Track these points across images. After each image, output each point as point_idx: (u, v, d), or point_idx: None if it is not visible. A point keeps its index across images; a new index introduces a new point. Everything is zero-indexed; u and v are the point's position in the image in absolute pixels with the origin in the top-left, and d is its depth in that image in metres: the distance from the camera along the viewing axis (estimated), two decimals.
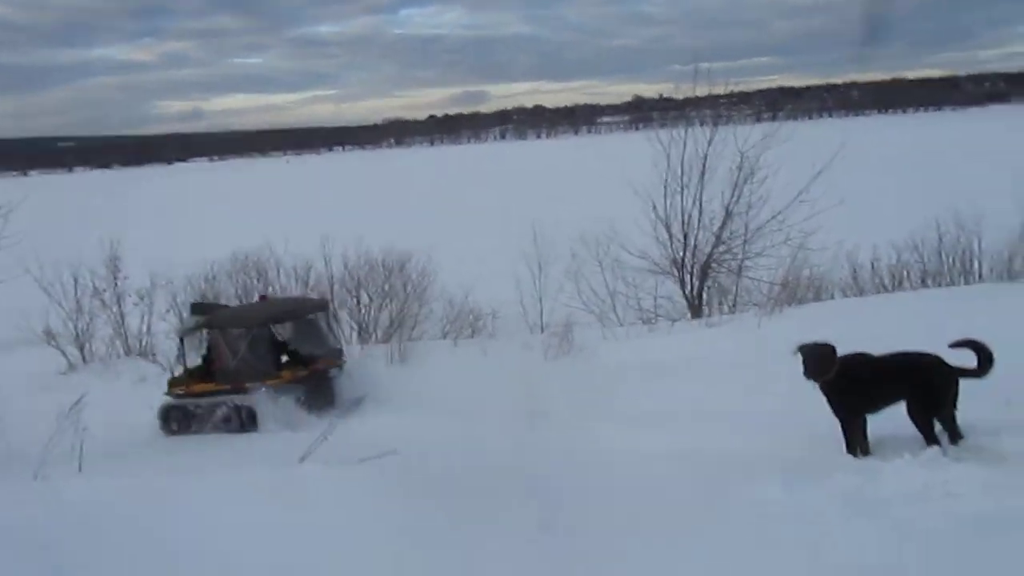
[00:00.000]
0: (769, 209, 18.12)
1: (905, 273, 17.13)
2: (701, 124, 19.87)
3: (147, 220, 43.33)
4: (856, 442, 6.57)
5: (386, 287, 18.21)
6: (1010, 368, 7.54)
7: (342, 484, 6.56)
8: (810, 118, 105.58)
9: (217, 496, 6.28)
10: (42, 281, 16.88)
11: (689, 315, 17.43)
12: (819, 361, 6.67)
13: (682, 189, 18.86)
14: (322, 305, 11.72)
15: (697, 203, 18.74)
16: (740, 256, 18.42)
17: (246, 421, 9.76)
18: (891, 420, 6.56)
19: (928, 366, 6.55)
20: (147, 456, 9.69)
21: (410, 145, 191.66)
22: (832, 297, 16.60)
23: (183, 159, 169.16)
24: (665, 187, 18.75)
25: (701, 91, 24.68)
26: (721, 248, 18.63)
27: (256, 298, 13.05)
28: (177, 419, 9.97)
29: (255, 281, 18.57)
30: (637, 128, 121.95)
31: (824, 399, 6.74)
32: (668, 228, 18.78)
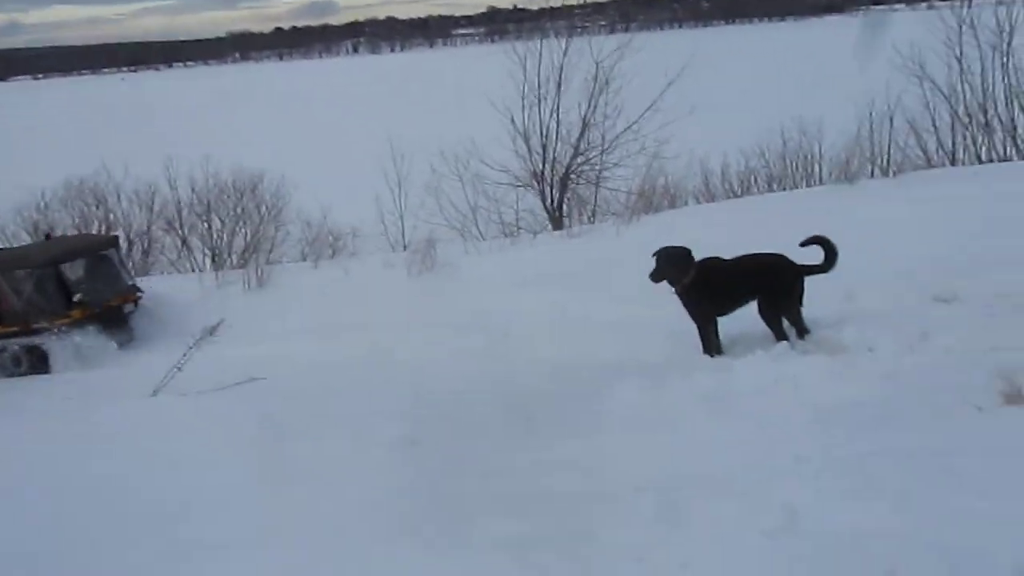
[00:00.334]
0: (624, 119, 18.43)
1: (753, 178, 17.88)
2: (556, 36, 19.80)
3: None
4: (712, 343, 6.86)
5: (238, 210, 17.48)
6: (850, 264, 8.04)
7: (199, 414, 6.33)
8: (661, 29, 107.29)
9: (75, 434, 5.94)
10: None
11: (551, 227, 17.64)
12: (668, 263, 6.89)
13: (539, 101, 18.87)
14: (112, 241, 11.42)
15: (555, 115, 18.82)
16: (598, 167, 18.71)
17: (37, 363, 9.51)
18: (741, 320, 6.88)
19: (776, 266, 6.84)
20: None
21: (257, 60, 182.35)
22: (686, 204, 17.15)
23: (2, 77, 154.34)
24: (523, 100, 18.70)
25: (555, 1, 24.67)
26: (579, 159, 18.86)
27: (43, 237, 12.38)
28: None
29: (94, 209, 17.37)
30: (493, 41, 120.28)
31: (681, 304, 6.96)
32: (527, 141, 18.81)
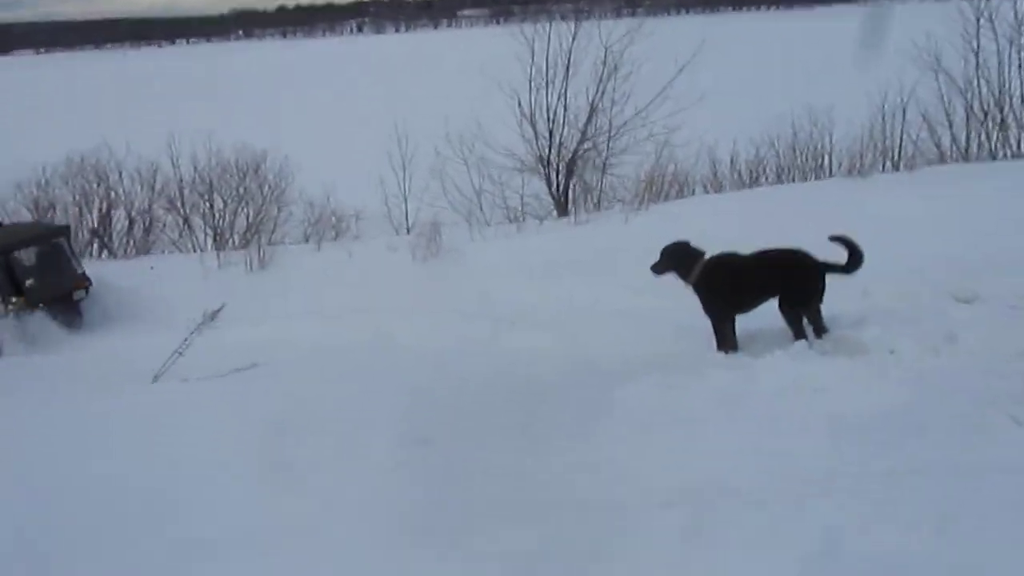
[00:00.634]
0: (633, 105, 18.19)
1: (762, 168, 17.66)
2: (563, 18, 19.53)
3: None
4: (727, 340, 6.69)
5: (241, 190, 17.24)
6: (866, 260, 7.87)
7: (201, 401, 6.18)
8: (668, 14, 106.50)
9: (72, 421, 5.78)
10: None
11: (556, 213, 17.45)
12: (670, 257, 6.83)
13: (547, 85, 18.60)
14: (63, 231, 11.60)
15: (562, 99, 18.54)
16: (605, 153, 18.48)
17: None
18: (760, 317, 6.71)
19: (798, 262, 6.65)
20: None
21: (261, 38, 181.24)
22: (693, 192, 16.95)
23: (3, 51, 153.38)
24: (530, 83, 18.44)
25: None
26: (586, 145, 18.61)
27: None
28: None
29: (95, 186, 17.14)
30: (498, 22, 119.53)
31: (697, 300, 6.79)
32: (533, 125, 18.56)
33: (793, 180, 16.92)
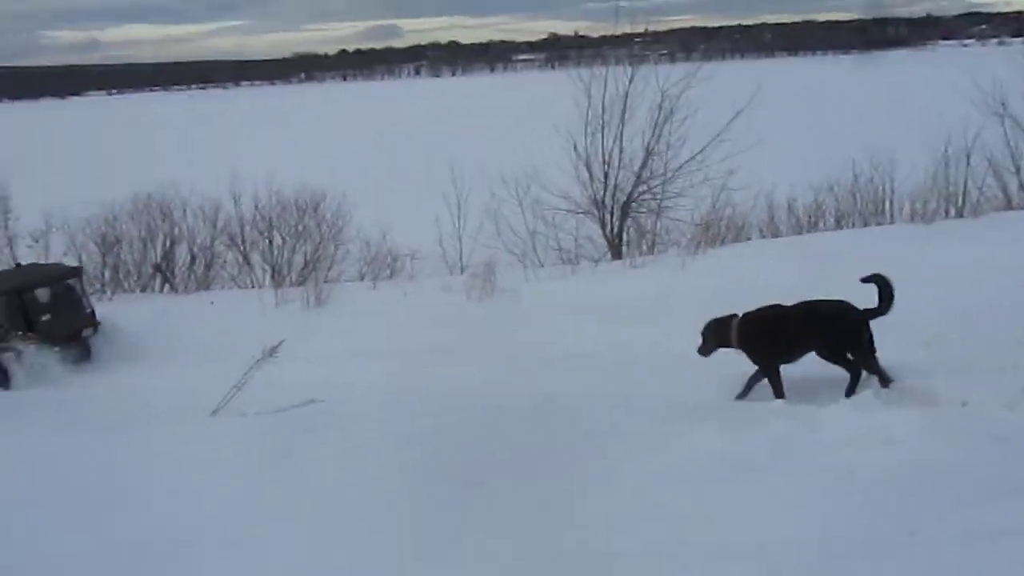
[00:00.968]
0: (689, 149, 18.14)
1: (821, 213, 17.39)
2: (618, 63, 19.64)
3: (39, 157, 40.83)
4: (778, 388, 6.69)
5: (299, 228, 17.57)
6: (929, 308, 7.67)
7: (259, 437, 6.21)
8: (723, 59, 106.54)
9: (128, 456, 5.86)
10: None
11: (610, 256, 17.39)
12: (708, 332, 7.07)
13: (603, 128, 18.67)
14: (75, 272, 12.27)
15: (618, 142, 18.58)
16: (660, 196, 18.42)
17: None
18: (825, 366, 6.56)
19: (834, 312, 6.71)
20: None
21: (321, 81, 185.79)
22: (750, 238, 16.74)
23: (78, 93, 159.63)
24: (586, 126, 18.53)
25: (617, 30, 24.53)
26: (641, 188, 18.58)
27: (14, 265, 13.26)
28: None
29: (160, 222, 17.61)
30: (553, 67, 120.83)
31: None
32: (588, 168, 18.61)
33: (853, 226, 16.63)
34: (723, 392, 6.62)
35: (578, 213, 18.36)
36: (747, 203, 17.12)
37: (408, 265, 16.64)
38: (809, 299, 6.87)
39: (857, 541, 3.74)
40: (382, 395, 7.68)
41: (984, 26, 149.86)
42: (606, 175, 18.59)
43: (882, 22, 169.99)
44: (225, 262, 17.61)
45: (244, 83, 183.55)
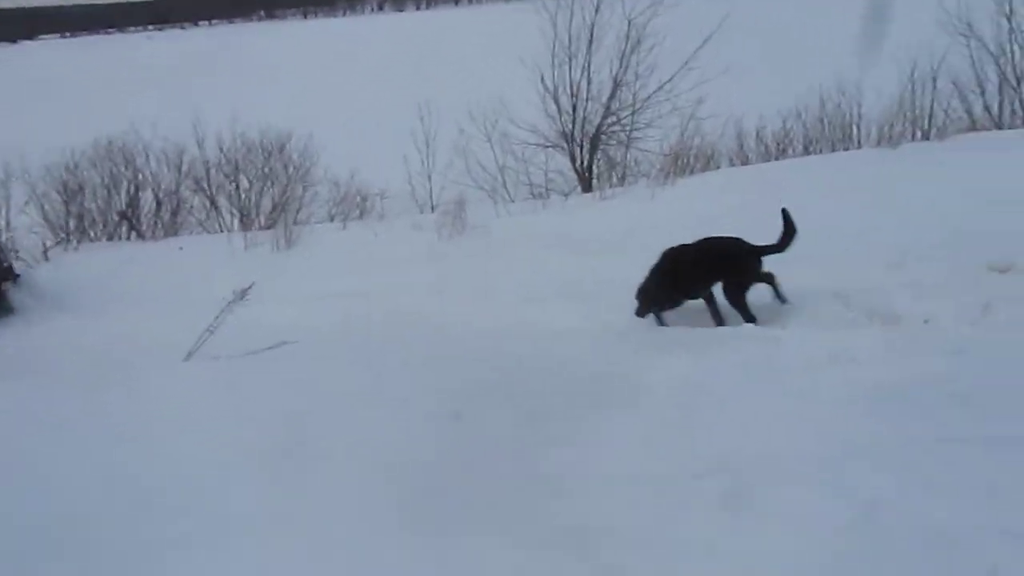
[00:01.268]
0: (657, 79, 18.01)
1: (789, 140, 17.42)
2: None
3: None
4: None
5: (266, 170, 17.33)
6: (895, 231, 7.79)
7: (234, 379, 6.24)
8: None
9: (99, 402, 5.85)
10: None
11: (580, 189, 17.37)
12: (641, 295, 7.21)
13: (569, 60, 18.45)
14: None
15: (585, 73, 18.40)
16: (629, 127, 18.34)
17: None
18: (791, 290, 6.65)
19: (734, 250, 6.90)
20: None
21: (283, 19, 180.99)
22: (719, 166, 16.77)
23: (30, 36, 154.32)
24: (553, 58, 18.30)
25: None
26: (610, 120, 18.49)
27: None
28: None
29: (123, 169, 17.26)
30: None
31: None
32: (556, 100, 18.45)
33: (821, 152, 16.70)
34: (691, 320, 6.71)
35: (547, 147, 18.27)
36: (716, 132, 17.11)
37: (378, 205, 16.53)
38: (707, 237, 7.15)
39: (817, 453, 3.87)
40: (354, 333, 7.70)
41: None
42: (574, 107, 18.44)
43: None
44: (192, 207, 17.37)
45: (203, 23, 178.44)
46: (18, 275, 11.79)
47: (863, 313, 6.16)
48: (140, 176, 17.18)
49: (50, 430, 5.17)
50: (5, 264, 11.91)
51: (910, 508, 3.33)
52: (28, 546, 3.87)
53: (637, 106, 18.06)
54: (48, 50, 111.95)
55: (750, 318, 6.64)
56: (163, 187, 17.22)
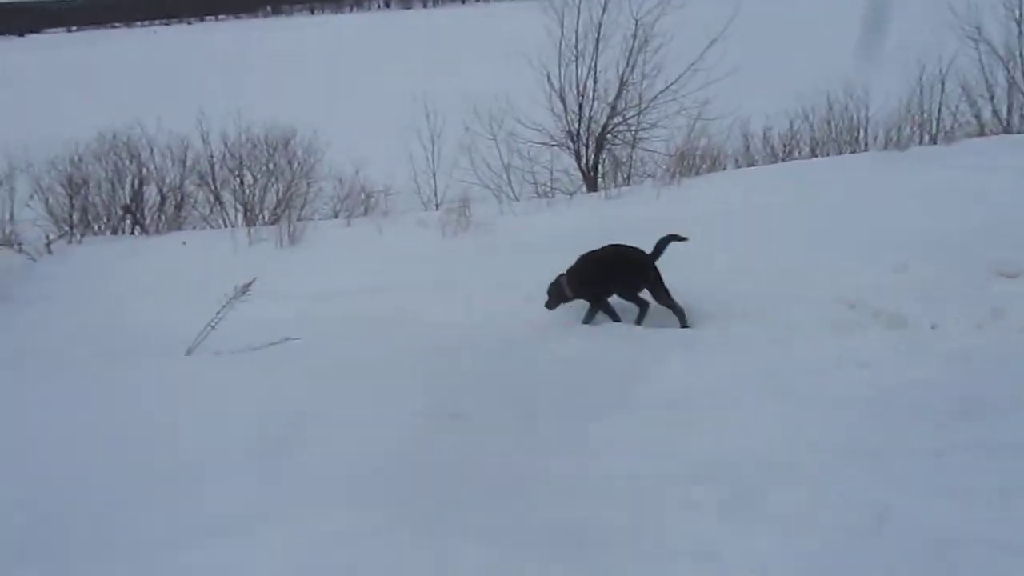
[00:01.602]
0: (664, 79, 17.92)
1: (796, 142, 17.35)
2: None
3: None
4: (613, 313, 7.60)
5: (271, 165, 17.29)
6: (902, 233, 7.73)
7: (236, 374, 6.21)
8: None
9: (103, 392, 5.83)
10: None
11: (585, 188, 17.30)
12: (554, 292, 7.81)
13: (576, 59, 18.38)
14: None
15: (592, 73, 18.32)
16: (635, 127, 18.26)
17: None
18: (796, 288, 6.60)
19: (629, 257, 7.64)
20: None
21: (289, 15, 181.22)
22: (725, 167, 16.69)
23: (36, 30, 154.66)
24: (559, 57, 18.22)
25: None
26: (616, 119, 18.40)
27: None
28: None
29: (127, 163, 17.25)
30: None
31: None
32: (563, 99, 18.37)
33: (828, 154, 16.61)
34: (699, 321, 6.66)
35: (553, 146, 18.19)
36: (722, 133, 17.03)
37: (382, 202, 16.49)
38: (613, 244, 7.85)
39: (825, 458, 3.82)
40: (358, 330, 7.65)
41: None
42: (580, 107, 18.35)
43: None
44: (196, 202, 17.35)
45: (209, 18, 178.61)
46: None
47: (869, 316, 6.11)
48: (144, 170, 17.16)
49: (50, 419, 5.15)
50: None
51: (918, 515, 3.26)
52: (33, 532, 3.85)
53: (643, 106, 17.94)
54: (54, 44, 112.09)
55: (644, 307, 7.35)
56: (167, 182, 17.21)
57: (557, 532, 3.53)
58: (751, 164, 16.91)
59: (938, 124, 16.24)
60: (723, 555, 3.21)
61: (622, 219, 11.41)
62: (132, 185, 17.01)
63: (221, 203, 17.17)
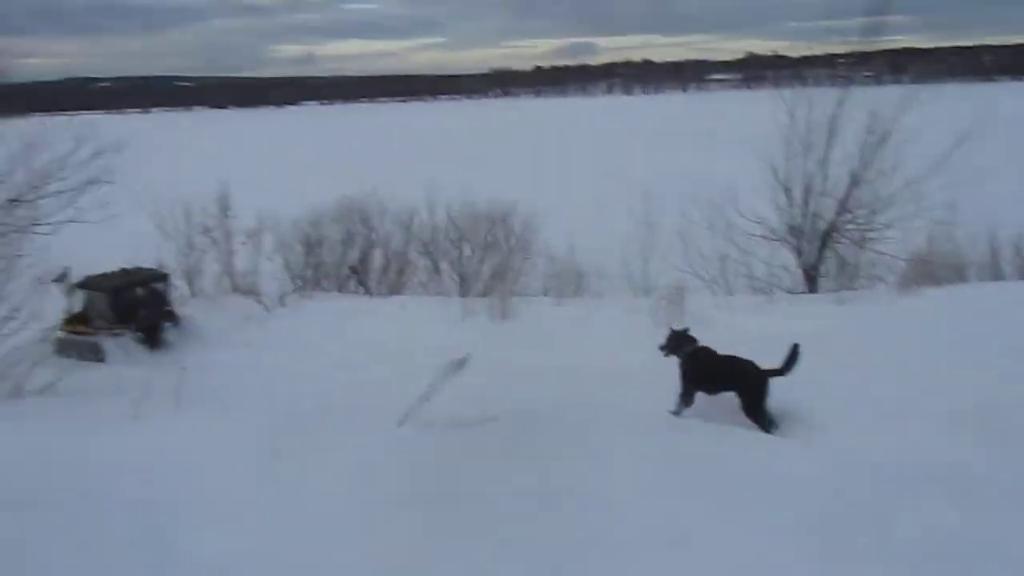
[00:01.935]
0: (900, 178, 16.83)
1: None
2: (820, 84, 18.58)
3: (257, 161, 44.15)
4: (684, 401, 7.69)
5: (488, 239, 17.90)
6: None
7: (442, 451, 6.24)
8: (936, 82, 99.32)
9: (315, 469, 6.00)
10: (155, 216, 17.01)
11: (805, 287, 16.44)
12: (673, 340, 8.10)
13: (804, 151, 17.70)
14: (163, 276, 14.15)
15: (821, 167, 17.55)
16: (865, 227, 17.22)
17: (97, 353, 12.18)
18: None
19: (746, 369, 7.55)
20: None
21: (516, 96, 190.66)
22: (965, 280, 15.27)
23: (294, 102, 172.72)
24: (787, 149, 17.63)
25: (819, 49, 23.21)
26: (845, 216, 17.45)
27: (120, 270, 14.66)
28: (62, 347, 12.16)
29: (359, 226, 18.47)
30: (748, 87, 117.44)
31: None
32: (788, 193, 17.70)
33: None
34: (959, 453, 5.91)
35: (773, 240, 17.51)
36: (966, 240, 15.65)
37: (593, 283, 16.48)
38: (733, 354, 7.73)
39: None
40: (569, 413, 7.48)
41: None
42: (806, 201, 17.61)
43: None
44: (416, 269, 18.20)
45: (443, 97, 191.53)
46: (180, 318, 13.49)
47: None
48: (374, 235, 18.28)
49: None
50: (168, 308, 13.71)
51: None
52: None
53: (878, 204, 16.90)
54: (308, 115, 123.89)
55: (768, 427, 7.20)
56: (392, 247, 18.23)
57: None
58: (998, 277, 15.37)
59: None
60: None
61: (855, 325, 10.60)
62: (361, 248, 18.16)
63: (439, 272, 17.92)
